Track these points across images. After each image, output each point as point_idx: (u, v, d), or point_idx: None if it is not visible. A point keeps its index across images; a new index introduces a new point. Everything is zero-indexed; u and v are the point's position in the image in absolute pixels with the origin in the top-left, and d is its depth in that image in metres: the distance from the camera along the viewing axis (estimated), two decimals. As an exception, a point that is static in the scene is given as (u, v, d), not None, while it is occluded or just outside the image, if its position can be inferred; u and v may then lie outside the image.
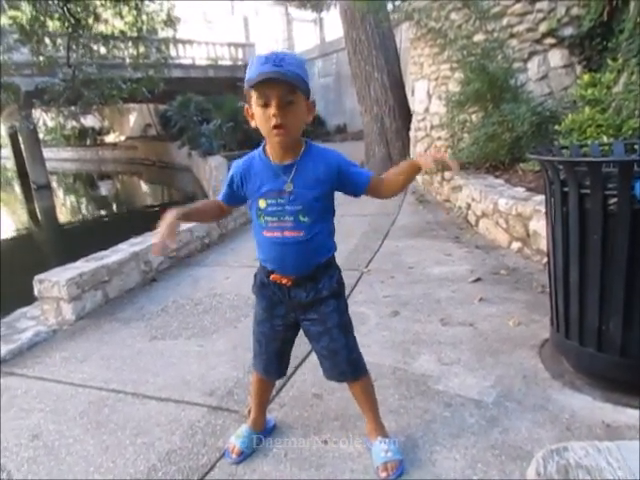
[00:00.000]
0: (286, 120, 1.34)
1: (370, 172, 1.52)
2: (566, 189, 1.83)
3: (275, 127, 1.34)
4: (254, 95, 1.35)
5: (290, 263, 1.49)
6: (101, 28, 13.37)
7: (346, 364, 1.60)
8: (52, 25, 12.42)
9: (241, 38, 25.43)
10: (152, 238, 1.49)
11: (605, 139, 3.48)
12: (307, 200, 1.43)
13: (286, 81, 1.30)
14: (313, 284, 1.52)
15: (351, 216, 5.32)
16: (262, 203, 1.46)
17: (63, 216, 15.57)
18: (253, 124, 1.44)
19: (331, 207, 1.53)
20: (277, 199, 1.44)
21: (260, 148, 1.51)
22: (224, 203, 1.60)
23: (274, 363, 1.69)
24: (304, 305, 1.54)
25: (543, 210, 2.59)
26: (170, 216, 1.41)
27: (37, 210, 15.88)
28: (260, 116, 1.37)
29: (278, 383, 2.07)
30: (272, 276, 1.53)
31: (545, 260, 2.78)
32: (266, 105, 1.33)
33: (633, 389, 1.81)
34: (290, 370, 2.18)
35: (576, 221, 1.80)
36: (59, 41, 12.52)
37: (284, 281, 1.52)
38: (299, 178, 1.43)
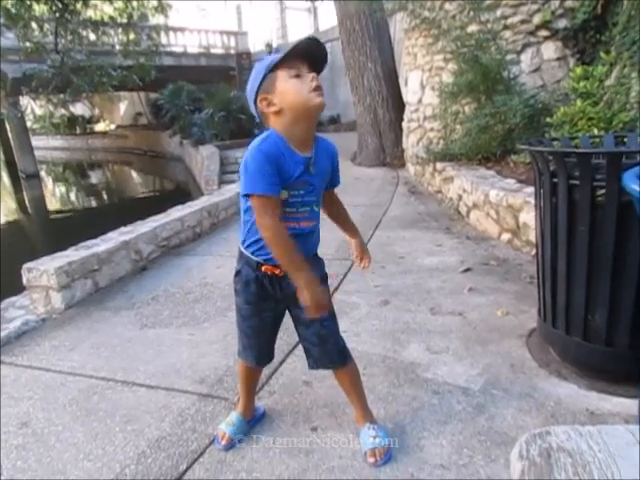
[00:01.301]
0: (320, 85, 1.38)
1: (340, 181, 1.64)
2: (555, 180, 1.84)
3: (317, 88, 1.36)
4: (284, 72, 1.37)
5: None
6: (90, 13, 13.13)
7: (335, 350, 1.61)
8: (39, 9, 12.17)
9: (234, 26, 25.15)
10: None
11: (596, 132, 3.50)
12: (319, 191, 1.49)
13: (325, 51, 1.39)
14: None
15: (343, 207, 5.32)
16: (284, 194, 1.40)
17: (52, 205, 15.43)
18: (273, 109, 1.38)
19: None
20: (299, 190, 1.43)
21: (276, 136, 1.40)
22: (277, 195, 1.37)
23: (265, 352, 1.70)
24: (295, 293, 1.52)
25: (533, 202, 2.61)
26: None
27: (26, 199, 15.72)
28: (294, 86, 1.36)
29: (268, 371, 2.09)
30: (264, 267, 1.50)
31: (534, 251, 2.80)
32: (298, 76, 1.37)
33: (618, 378, 1.85)
34: (280, 358, 2.21)
35: (565, 212, 1.82)
36: (46, 26, 12.28)
37: (277, 272, 1.49)
38: (316, 170, 1.46)
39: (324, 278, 1.62)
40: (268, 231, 1.36)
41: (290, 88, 1.37)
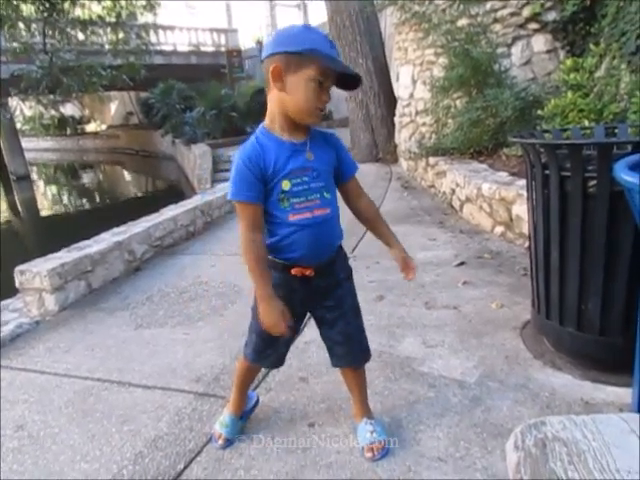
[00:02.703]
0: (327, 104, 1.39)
1: (356, 167, 1.54)
2: (547, 172, 1.85)
3: (321, 108, 1.36)
4: (314, 68, 1.29)
5: (324, 244, 1.46)
6: (78, 13, 13.02)
7: (359, 348, 1.59)
8: (26, 9, 12.06)
9: (223, 23, 25.03)
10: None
11: (587, 124, 3.52)
12: (327, 176, 1.43)
13: (352, 76, 1.38)
14: (331, 269, 1.50)
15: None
16: (286, 185, 1.37)
17: (44, 207, 15.34)
18: (279, 87, 1.33)
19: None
20: (302, 177, 1.38)
21: (260, 131, 1.41)
22: (260, 204, 1.38)
23: (282, 354, 1.64)
24: (322, 292, 1.50)
25: (526, 194, 2.62)
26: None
27: (17, 201, 15.62)
28: (311, 91, 1.32)
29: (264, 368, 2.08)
30: (293, 270, 1.44)
31: (527, 243, 2.81)
32: (321, 85, 1.33)
33: (611, 367, 1.86)
34: (276, 355, 2.20)
35: (557, 203, 1.83)
36: (34, 26, 12.16)
37: (307, 272, 1.45)
38: (315, 154, 1.41)
39: (350, 270, 1.59)
40: (240, 239, 1.38)
41: (303, 88, 1.31)
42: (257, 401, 1.85)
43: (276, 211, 1.39)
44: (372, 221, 1.58)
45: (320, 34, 1.36)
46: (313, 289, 1.49)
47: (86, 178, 21.40)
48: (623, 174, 1.23)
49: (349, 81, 1.40)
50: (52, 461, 1.70)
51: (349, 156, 1.53)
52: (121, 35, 14.13)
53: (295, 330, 1.60)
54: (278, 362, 1.67)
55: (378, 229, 1.59)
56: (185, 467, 1.61)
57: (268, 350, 1.58)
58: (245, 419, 1.77)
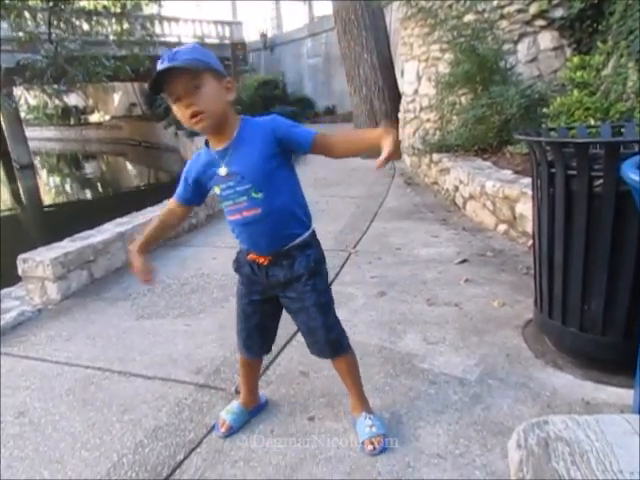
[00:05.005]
0: (200, 106, 1.34)
1: (313, 132, 1.44)
2: (553, 170, 1.84)
3: (193, 116, 1.35)
4: (166, 95, 1.37)
5: (261, 242, 1.50)
6: (83, 3, 12.98)
7: (324, 343, 1.60)
8: (32, -1, 12.05)
9: (228, 16, 24.92)
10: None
11: (592, 122, 3.50)
12: (255, 177, 1.41)
13: (178, 68, 1.31)
14: (289, 262, 1.51)
15: (340, 198, 5.32)
16: (217, 189, 1.48)
17: (47, 196, 15.35)
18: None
19: (289, 177, 1.50)
20: (227, 183, 1.44)
21: (204, 141, 1.52)
22: (180, 203, 1.58)
23: (254, 338, 1.68)
24: (282, 283, 1.54)
25: (530, 193, 2.60)
26: (134, 257, 1.55)
27: (20, 190, 15.63)
28: (177, 112, 1.37)
29: (265, 361, 2.08)
30: (249, 256, 1.54)
31: (530, 242, 2.80)
32: (178, 100, 1.35)
33: (613, 368, 1.85)
34: (277, 348, 2.20)
35: (562, 202, 1.82)
36: (40, 16, 12.12)
37: (261, 260, 1.52)
38: (237, 158, 1.42)
39: (316, 268, 1.55)
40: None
41: (176, 113, 1.39)
42: (266, 402, 1.86)
43: (224, 209, 1.53)
44: (352, 149, 1.48)
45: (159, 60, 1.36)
46: (271, 278, 1.54)
47: (89, 168, 21.40)
48: (631, 173, 1.22)
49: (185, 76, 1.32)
50: (53, 448, 1.71)
51: (297, 129, 1.45)
52: (126, 26, 14.08)
53: (265, 315, 1.64)
54: (248, 345, 1.69)
55: (358, 143, 1.49)
56: (185, 457, 1.61)
57: (241, 327, 1.68)
58: (253, 416, 1.78)
